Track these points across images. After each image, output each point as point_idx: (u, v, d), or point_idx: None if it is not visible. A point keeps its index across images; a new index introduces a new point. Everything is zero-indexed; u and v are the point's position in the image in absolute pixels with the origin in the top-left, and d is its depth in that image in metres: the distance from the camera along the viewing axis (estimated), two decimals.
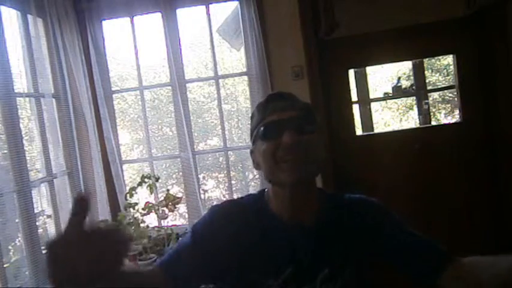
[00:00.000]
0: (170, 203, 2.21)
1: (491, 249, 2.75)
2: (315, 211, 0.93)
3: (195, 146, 2.59)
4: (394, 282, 1.19)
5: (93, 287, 0.52)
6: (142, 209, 2.19)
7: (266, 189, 0.99)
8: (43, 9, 2.08)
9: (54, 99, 2.16)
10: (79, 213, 0.54)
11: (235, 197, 1.69)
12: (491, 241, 2.58)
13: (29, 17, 2.02)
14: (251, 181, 4.21)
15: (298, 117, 0.88)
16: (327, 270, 0.88)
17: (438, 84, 5.76)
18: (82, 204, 0.55)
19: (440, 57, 5.14)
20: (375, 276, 0.97)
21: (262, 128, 0.91)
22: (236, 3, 2.42)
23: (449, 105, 5.78)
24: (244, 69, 2.51)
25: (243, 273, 0.88)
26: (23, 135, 1.84)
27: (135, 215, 2.18)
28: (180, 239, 1.10)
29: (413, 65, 3.64)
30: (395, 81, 4.92)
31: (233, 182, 2.62)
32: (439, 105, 5.82)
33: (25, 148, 1.83)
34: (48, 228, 2.11)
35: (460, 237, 2.59)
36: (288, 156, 0.85)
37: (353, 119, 2.76)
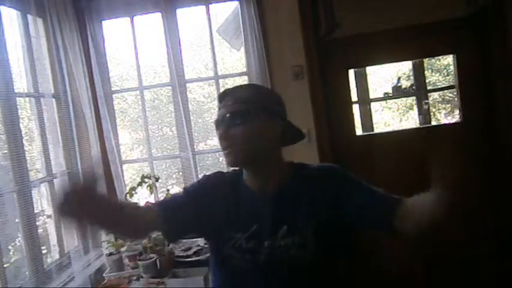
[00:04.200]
0: None
1: (491, 249, 2.73)
2: (278, 181, 1.13)
3: (195, 146, 2.59)
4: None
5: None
6: None
7: None
8: (43, 9, 2.07)
9: (54, 99, 2.16)
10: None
11: None
12: (492, 241, 2.58)
13: (29, 17, 2.02)
14: None
15: (234, 111, 1.08)
16: (286, 227, 1.07)
17: (438, 84, 5.75)
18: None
19: (440, 57, 5.13)
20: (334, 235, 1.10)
21: (214, 122, 1.13)
22: (236, 3, 2.42)
23: (449, 105, 5.77)
24: (244, 69, 2.51)
25: (220, 229, 1.12)
26: (23, 135, 1.84)
27: None
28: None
29: (413, 65, 3.64)
30: (395, 81, 4.91)
31: None
32: (439, 105, 5.81)
33: (25, 148, 1.83)
34: (48, 228, 2.11)
35: (460, 236, 2.59)
36: (223, 146, 1.10)
37: (353, 119, 2.76)
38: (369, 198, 1.07)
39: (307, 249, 1.05)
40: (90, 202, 0.85)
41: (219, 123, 1.10)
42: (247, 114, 1.08)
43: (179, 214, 1.11)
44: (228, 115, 1.08)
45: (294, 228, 1.07)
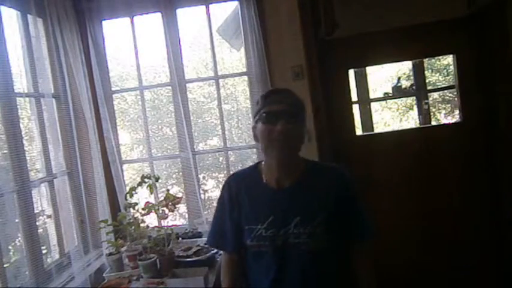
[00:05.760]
0: (170, 203, 2.21)
1: (491, 248, 2.73)
2: (294, 176, 1.32)
3: (195, 146, 2.59)
4: None
5: None
6: (142, 209, 2.19)
7: (262, 162, 1.39)
8: (43, 9, 2.07)
9: (54, 99, 2.16)
10: None
11: None
12: (491, 240, 2.58)
13: (29, 17, 2.01)
14: None
15: (290, 111, 1.25)
16: (299, 218, 1.27)
17: (438, 84, 5.76)
18: None
19: (440, 57, 5.13)
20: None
21: (264, 114, 1.27)
22: (236, 3, 2.42)
23: (449, 105, 5.78)
24: (244, 69, 2.51)
25: (244, 223, 1.34)
26: (23, 135, 1.83)
27: (135, 215, 2.18)
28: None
29: (413, 65, 3.64)
30: (395, 81, 4.92)
31: None
32: (439, 105, 5.82)
33: (25, 148, 1.83)
34: (48, 228, 2.11)
35: (460, 236, 2.60)
36: (278, 139, 1.23)
37: (353, 119, 2.76)
38: (350, 213, 1.32)
39: (315, 238, 1.26)
40: None
41: (276, 115, 1.24)
42: (301, 115, 1.29)
43: (232, 231, 1.37)
44: (289, 112, 1.25)
45: (305, 219, 1.26)
